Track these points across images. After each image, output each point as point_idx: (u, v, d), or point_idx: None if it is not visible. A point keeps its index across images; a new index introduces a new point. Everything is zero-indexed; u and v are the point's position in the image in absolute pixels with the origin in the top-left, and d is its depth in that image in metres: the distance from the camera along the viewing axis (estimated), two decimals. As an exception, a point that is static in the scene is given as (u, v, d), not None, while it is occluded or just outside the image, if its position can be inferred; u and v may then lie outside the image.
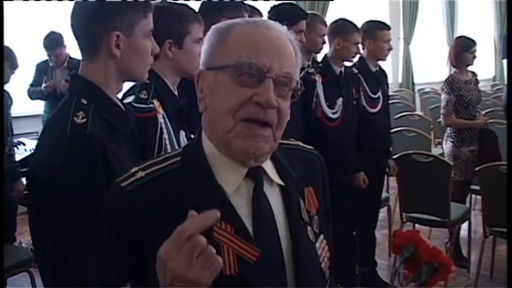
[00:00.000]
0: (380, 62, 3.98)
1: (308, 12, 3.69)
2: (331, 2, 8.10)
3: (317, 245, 1.14)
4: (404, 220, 4.10)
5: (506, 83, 6.54)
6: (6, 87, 4.03)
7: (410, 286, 1.15)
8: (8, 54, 3.95)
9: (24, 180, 3.59)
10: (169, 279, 0.86)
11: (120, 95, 1.64)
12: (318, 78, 3.43)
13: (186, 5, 1.94)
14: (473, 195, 4.96)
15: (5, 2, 3.31)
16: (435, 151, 5.34)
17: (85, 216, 1.27)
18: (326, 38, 3.55)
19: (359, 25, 3.74)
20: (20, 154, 4.11)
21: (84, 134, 1.36)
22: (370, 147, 3.72)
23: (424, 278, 1.12)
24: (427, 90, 9.57)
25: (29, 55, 5.24)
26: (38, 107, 5.54)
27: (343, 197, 3.38)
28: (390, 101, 4.53)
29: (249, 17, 2.26)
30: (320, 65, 3.57)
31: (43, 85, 5.25)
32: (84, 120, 1.38)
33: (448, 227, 3.91)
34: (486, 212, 3.92)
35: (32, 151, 3.18)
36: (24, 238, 4.30)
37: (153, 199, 1.04)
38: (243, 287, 1.01)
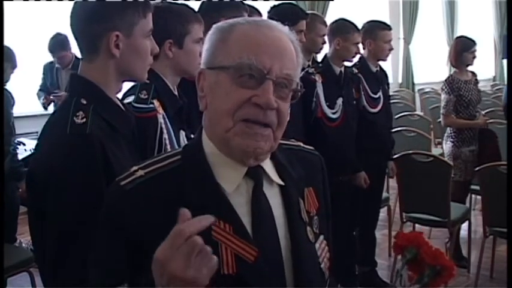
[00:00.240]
0: (380, 62, 3.98)
1: (308, 12, 3.69)
2: (331, 2, 8.10)
3: (317, 245, 1.14)
4: (404, 220, 4.10)
5: (506, 83, 6.54)
6: (8, 87, 4.04)
7: None
8: (9, 55, 3.96)
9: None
10: (166, 280, 0.85)
11: (120, 95, 1.64)
12: (318, 78, 3.43)
13: (186, 5, 1.94)
14: (473, 195, 4.96)
15: (5, 2, 3.31)
16: (435, 151, 5.34)
17: (85, 216, 1.27)
18: (326, 38, 3.55)
19: (359, 25, 3.74)
20: (20, 154, 4.11)
21: (84, 134, 1.36)
22: (370, 147, 3.72)
23: (426, 281, 1.12)
24: (427, 90, 9.57)
25: (29, 55, 5.24)
26: (38, 106, 5.54)
27: (344, 197, 3.38)
28: (390, 101, 4.53)
29: (249, 16, 2.26)
30: (320, 65, 3.57)
31: (51, 96, 5.25)
32: (84, 120, 1.38)
33: (448, 227, 3.91)
34: (486, 212, 3.92)
35: (32, 151, 3.19)
36: (24, 238, 4.30)
37: (152, 198, 1.04)
38: (241, 287, 1.01)
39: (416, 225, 4.22)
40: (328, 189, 1.25)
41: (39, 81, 5.53)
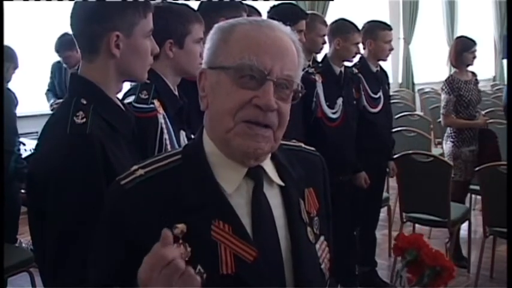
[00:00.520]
0: (380, 62, 3.98)
1: (308, 12, 3.69)
2: (331, 2, 8.10)
3: (317, 246, 1.14)
4: (404, 220, 4.10)
5: (506, 83, 6.54)
6: (10, 87, 4.04)
7: None
8: (11, 54, 3.97)
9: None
10: None
11: (120, 95, 1.64)
12: (318, 78, 3.43)
13: (187, 5, 1.94)
14: (473, 195, 4.96)
15: (5, 2, 3.31)
16: (435, 151, 5.34)
17: (85, 216, 1.27)
18: (326, 38, 3.55)
19: (359, 25, 3.74)
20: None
21: (84, 134, 1.36)
22: (370, 147, 3.72)
23: (426, 281, 1.12)
24: (427, 90, 9.57)
25: (29, 55, 5.24)
26: (38, 107, 5.54)
27: (344, 197, 3.38)
28: (390, 101, 4.53)
29: (248, 16, 2.26)
30: (320, 65, 3.57)
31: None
32: (84, 120, 1.38)
33: (448, 227, 3.91)
34: (486, 212, 3.92)
35: (32, 151, 3.18)
36: (24, 238, 4.30)
37: (152, 197, 1.04)
38: (240, 287, 1.01)
39: (416, 225, 4.22)
40: (329, 190, 1.25)
41: (41, 82, 5.51)
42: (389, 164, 3.99)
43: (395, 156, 4.03)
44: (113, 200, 1.07)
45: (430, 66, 10.63)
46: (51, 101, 5.33)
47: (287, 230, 1.09)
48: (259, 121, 1.03)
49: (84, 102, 1.42)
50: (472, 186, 4.37)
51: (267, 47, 1.04)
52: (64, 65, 5.23)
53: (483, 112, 5.01)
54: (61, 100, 5.24)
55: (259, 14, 2.89)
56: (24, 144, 4.25)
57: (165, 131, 1.77)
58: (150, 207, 1.03)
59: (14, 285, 3.60)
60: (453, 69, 4.50)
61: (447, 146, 4.39)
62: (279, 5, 3.33)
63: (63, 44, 4.95)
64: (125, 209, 1.04)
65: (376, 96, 3.86)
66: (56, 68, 5.37)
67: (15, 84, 4.20)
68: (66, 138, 1.36)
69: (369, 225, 4.06)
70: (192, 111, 1.80)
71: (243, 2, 2.46)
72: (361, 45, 3.71)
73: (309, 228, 1.13)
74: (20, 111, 4.22)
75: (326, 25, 3.59)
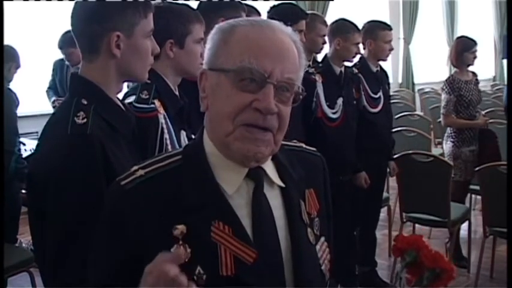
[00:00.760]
0: (380, 62, 3.98)
1: (308, 12, 3.68)
2: (331, 2, 8.10)
3: (317, 247, 1.14)
4: (404, 220, 4.10)
5: (506, 83, 6.54)
6: (11, 87, 4.04)
7: None
8: (12, 54, 3.97)
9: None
10: None
11: (121, 95, 1.64)
12: (318, 78, 3.43)
13: (187, 5, 1.94)
14: (473, 195, 4.96)
15: (5, 2, 3.31)
16: (435, 151, 5.34)
17: (85, 216, 1.27)
18: (326, 38, 3.55)
19: (359, 25, 3.74)
20: (20, 154, 4.12)
21: (85, 134, 1.36)
22: (370, 147, 3.72)
23: (425, 283, 1.12)
24: (427, 90, 9.57)
25: (29, 55, 5.23)
26: (38, 106, 5.54)
27: (344, 197, 3.38)
28: (390, 101, 4.53)
29: (247, 16, 2.26)
30: (320, 65, 3.57)
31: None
32: (85, 120, 1.38)
33: (448, 227, 3.91)
34: (486, 212, 3.92)
35: (32, 151, 3.18)
36: (24, 238, 4.30)
37: (152, 197, 1.03)
38: None
39: (416, 225, 4.22)
40: (330, 190, 1.25)
41: (41, 82, 5.51)
42: (390, 163, 3.99)
43: (395, 156, 4.03)
44: (113, 200, 1.07)
45: (430, 66, 10.63)
46: (53, 98, 5.33)
47: (287, 231, 1.09)
48: (259, 124, 1.02)
49: (85, 102, 1.42)
50: (472, 186, 4.37)
51: (268, 49, 1.03)
52: (66, 63, 5.23)
53: (483, 112, 5.01)
54: (62, 98, 5.26)
55: (259, 14, 2.88)
56: (24, 144, 4.25)
57: (165, 131, 1.77)
58: (150, 207, 1.02)
59: (14, 285, 3.60)
60: (453, 69, 4.50)
61: (447, 146, 4.39)
62: (279, 5, 3.33)
63: (66, 41, 4.95)
64: (125, 209, 1.04)
65: (376, 96, 3.86)
66: (58, 66, 5.37)
67: (15, 84, 4.20)
68: (66, 138, 1.36)
69: (369, 225, 4.06)
70: (193, 111, 1.80)
71: (243, 2, 2.46)
72: (361, 45, 3.71)
73: (309, 229, 1.12)
74: (20, 111, 4.22)
75: (326, 25, 3.59)
